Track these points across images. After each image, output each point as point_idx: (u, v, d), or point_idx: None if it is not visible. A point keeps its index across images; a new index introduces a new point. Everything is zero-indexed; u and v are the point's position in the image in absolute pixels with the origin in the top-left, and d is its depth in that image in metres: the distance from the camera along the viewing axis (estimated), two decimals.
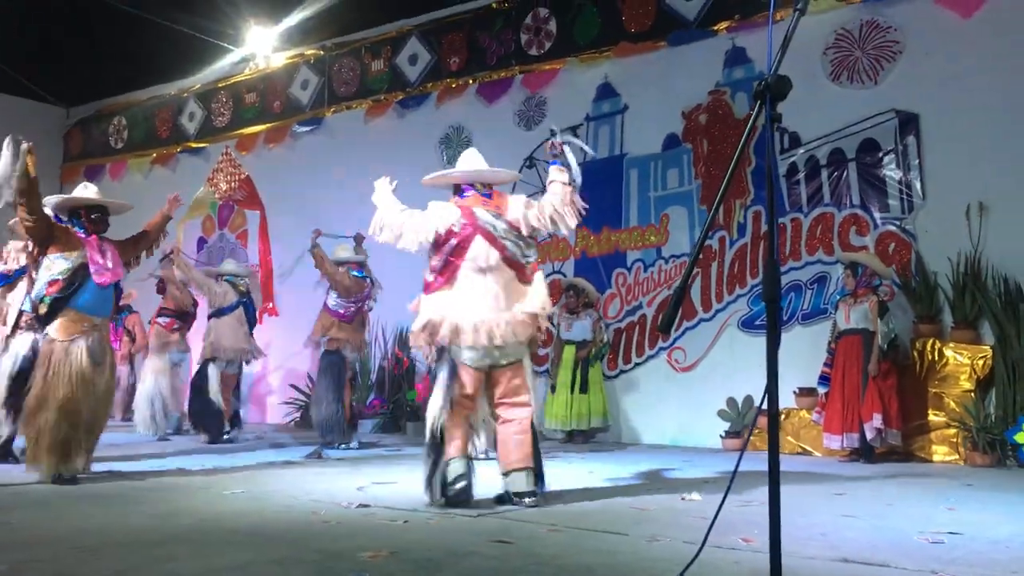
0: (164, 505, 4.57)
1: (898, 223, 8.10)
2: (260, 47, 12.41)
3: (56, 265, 5.61)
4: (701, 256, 8.74)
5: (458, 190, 5.00)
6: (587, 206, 5.02)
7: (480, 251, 4.71)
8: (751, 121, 2.09)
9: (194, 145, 13.62)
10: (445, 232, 4.74)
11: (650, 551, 3.40)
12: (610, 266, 9.75)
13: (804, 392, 8.01)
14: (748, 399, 8.40)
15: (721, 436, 8.50)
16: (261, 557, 3.24)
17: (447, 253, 4.74)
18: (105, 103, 14.86)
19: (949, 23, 8.05)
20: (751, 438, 7.48)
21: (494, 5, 10.78)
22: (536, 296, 4.81)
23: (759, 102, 2.06)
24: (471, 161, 5.05)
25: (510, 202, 4.92)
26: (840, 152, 8.45)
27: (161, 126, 14.01)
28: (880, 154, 8.24)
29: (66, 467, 5.40)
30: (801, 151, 8.62)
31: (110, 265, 5.74)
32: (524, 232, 4.85)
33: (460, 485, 4.56)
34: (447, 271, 4.73)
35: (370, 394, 10.78)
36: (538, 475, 4.76)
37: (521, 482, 4.66)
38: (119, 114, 14.63)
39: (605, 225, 9.81)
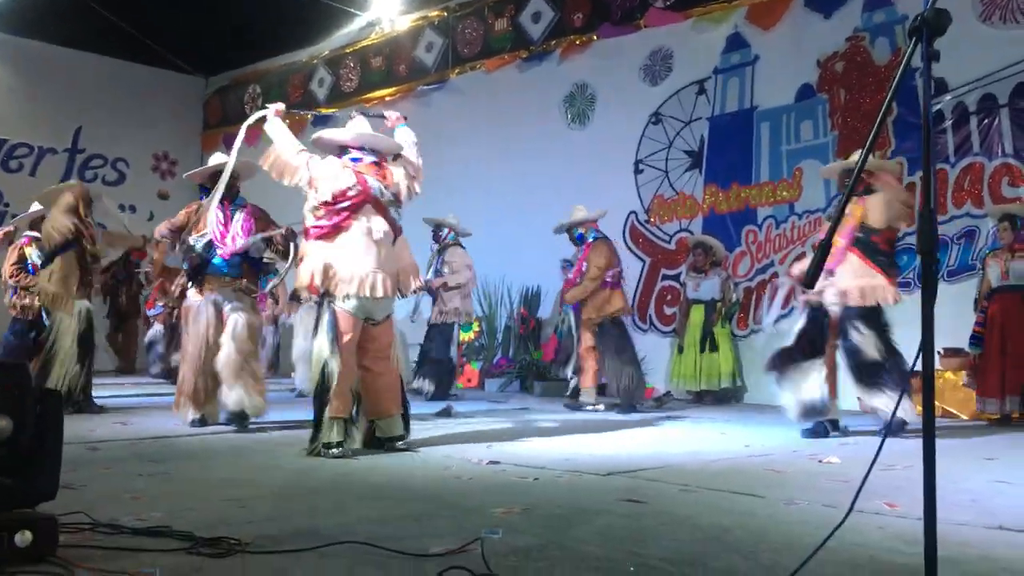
0: (301, 461, 4.73)
1: None
2: (386, 11, 12.57)
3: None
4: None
5: (343, 151, 5.15)
6: None
7: (368, 216, 4.94)
8: (905, 60, 1.94)
9: (324, 111, 13.94)
10: (339, 194, 4.92)
11: (788, 514, 3.30)
12: (739, 223, 9.47)
13: (949, 352, 7.61)
14: None
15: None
16: (396, 512, 3.31)
17: (336, 212, 4.91)
18: (241, 71, 15.38)
19: None
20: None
21: None
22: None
23: (914, 39, 1.91)
24: (362, 127, 5.23)
25: (393, 172, 5.14)
26: (991, 98, 7.91)
27: (293, 92, 14.39)
28: None
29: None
30: (948, 97, 8.11)
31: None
32: (403, 199, 5.14)
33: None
34: (334, 225, 4.92)
35: (496, 354, 10.89)
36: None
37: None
38: (254, 82, 15.12)
39: (734, 181, 9.54)
